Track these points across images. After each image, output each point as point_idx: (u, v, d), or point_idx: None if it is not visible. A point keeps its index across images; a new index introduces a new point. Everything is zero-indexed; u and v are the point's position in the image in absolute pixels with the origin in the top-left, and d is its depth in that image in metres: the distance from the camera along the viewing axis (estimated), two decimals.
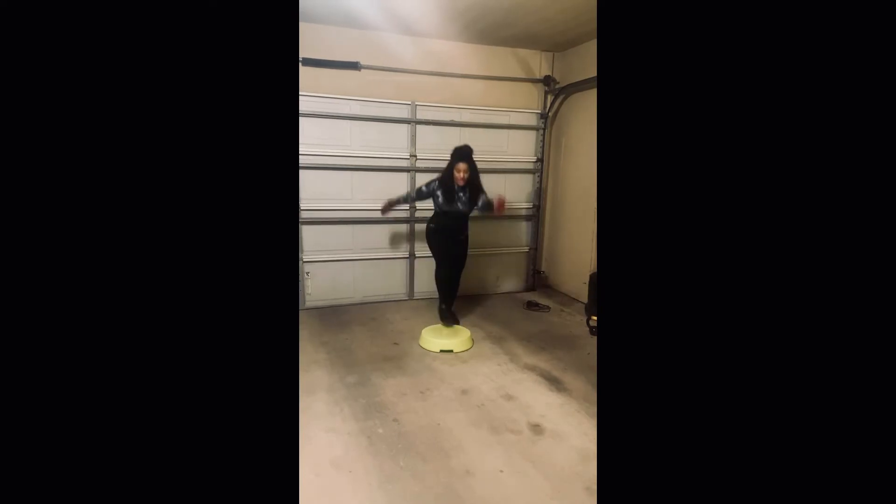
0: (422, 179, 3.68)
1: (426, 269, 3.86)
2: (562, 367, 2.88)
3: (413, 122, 3.92)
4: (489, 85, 4.12)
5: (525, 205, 4.49)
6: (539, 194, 4.48)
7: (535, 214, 4.53)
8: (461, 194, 3.14)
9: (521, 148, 4.35)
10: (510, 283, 4.59)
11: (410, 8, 3.15)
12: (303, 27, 3.46)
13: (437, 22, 3.42)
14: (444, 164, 3.22)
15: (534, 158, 4.39)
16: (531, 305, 4.08)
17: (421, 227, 3.89)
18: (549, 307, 4.07)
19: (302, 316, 3.69)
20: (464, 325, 3.43)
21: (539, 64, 4.26)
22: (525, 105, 4.29)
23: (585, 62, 3.92)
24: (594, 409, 2.37)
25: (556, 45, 4.04)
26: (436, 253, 3.38)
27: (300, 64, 3.48)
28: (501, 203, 3.08)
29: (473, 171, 3.11)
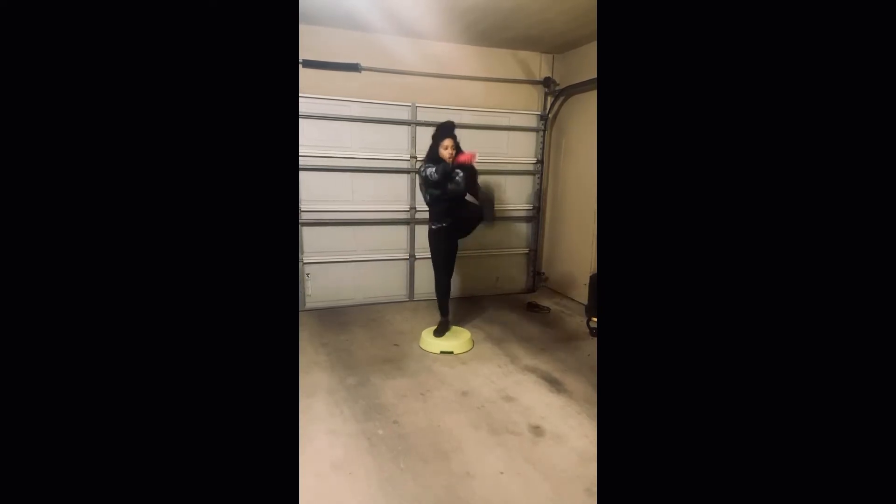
0: None
1: (426, 271, 3.85)
2: (562, 369, 2.88)
3: (413, 123, 3.92)
4: (489, 86, 4.12)
5: (525, 206, 4.49)
6: (539, 196, 4.49)
7: (536, 216, 4.53)
8: (457, 172, 2.98)
9: (522, 149, 4.35)
10: (510, 284, 4.58)
11: (411, 10, 3.16)
12: (303, 29, 3.46)
13: (438, 24, 3.42)
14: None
15: (534, 160, 4.40)
16: (531, 307, 4.08)
17: (421, 228, 3.88)
18: (549, 308, 4.06)
19: (302, 317, 3.68)
20: (464, 327, 3.42)
21: (539, 66, 4.26)
22: (525, 107, 4.29)
23: (585, 64, 3.93)
24: (594, 411, 2.37)
25: (556, 46, 4.04)
26: (436, 258, 3.20)
27: (300, 66, 3.48)
28: (470, 156, 2.94)
29: (458, 147, 2.97)
